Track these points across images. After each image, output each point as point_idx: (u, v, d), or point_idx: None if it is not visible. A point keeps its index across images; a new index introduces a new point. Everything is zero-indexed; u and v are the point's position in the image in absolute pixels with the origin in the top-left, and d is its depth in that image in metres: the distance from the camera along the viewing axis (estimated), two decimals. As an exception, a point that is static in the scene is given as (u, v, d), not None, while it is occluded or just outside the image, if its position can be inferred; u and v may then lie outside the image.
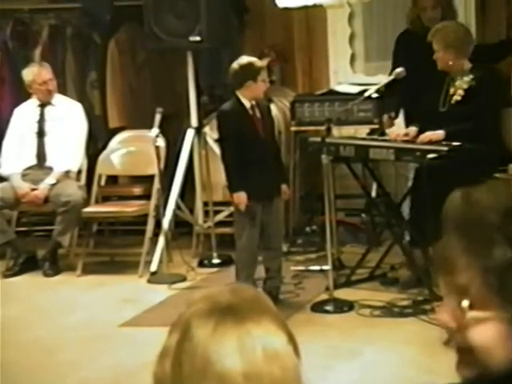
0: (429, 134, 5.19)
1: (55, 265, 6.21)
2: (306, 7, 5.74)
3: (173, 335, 1.18)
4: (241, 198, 5.05)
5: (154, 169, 6.05)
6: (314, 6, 5.66)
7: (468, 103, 5.17)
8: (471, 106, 5.14)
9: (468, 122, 5.09)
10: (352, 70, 6.89)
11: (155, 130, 5.83)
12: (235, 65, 5.09)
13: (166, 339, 1.19)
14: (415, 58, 5.49)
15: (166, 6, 6.08)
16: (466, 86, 5.21)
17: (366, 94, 5.49)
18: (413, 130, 5.37)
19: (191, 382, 1.14)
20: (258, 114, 5.15)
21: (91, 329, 5.06)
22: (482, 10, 6.34)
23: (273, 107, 6.30)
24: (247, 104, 5.11)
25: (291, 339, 1.19)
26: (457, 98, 5.23)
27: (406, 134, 5.33)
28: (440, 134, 5.14)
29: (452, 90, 5.27)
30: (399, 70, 5.49)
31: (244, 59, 5.12)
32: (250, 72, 5.04)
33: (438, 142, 5.11)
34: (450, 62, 5.23)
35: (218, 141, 5.39)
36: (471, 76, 5.22)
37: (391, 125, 5.89)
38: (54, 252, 6.23)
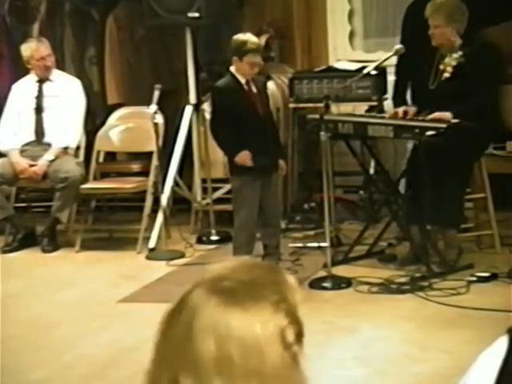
0: (438, 114, 5.12)
1: (54, 241, 6.22)
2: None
3: (173, 304, 1.20)
4: (243, 157, 5.03)
5: (152, 145, 6.04)
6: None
7: (457, 80, 5.16)
8: (462, 83, 5.12)
9: (459, 98, 5.07)
10: (351, 47, 6.87)
11: (153, 107, 5.82)
12: (234, 40, 5.09)
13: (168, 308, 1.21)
14: (419, 31, 5.42)
15: (164, -19, 6.05)
16: (454, 63, 5.20)
17: (365, 71, 5.48)
18: (412, 108, 5.36)
19: (172, 353, 1.15)
20: (254, 89, 5.14)
21: (89, 305, 5.07)
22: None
23: (271, 84, 6.29)
24: (242, 80, 5.11)
25: (293, 323, 1.18)
26: (446, 75, 5.22)
27: (405, 112, 5.32)
28: (448, 114, 5.09)
29: (442, 67, 5.26)
30: (398, 46, 5.47)
31: (242, 36, 5.11)
32: (237, 50, 5.03)
33: (438, 120, 5.09)
34: (452, 38, 5.21)
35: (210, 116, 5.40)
36: (460, 53, 5.20)
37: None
38: (53, 228, 6.24)
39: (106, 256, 6.01)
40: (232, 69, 5.11)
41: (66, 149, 6.28)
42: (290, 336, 1.16)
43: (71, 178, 6.06)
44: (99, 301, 5.13)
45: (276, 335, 1.15)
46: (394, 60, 5.66)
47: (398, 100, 5.72)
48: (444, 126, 4.98)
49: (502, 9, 5.89)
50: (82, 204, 6.33)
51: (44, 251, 6.16)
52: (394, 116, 5.38)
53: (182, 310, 1.18)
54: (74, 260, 6.00)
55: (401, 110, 5.37)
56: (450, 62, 5.22)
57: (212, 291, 1.17)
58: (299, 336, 1.18)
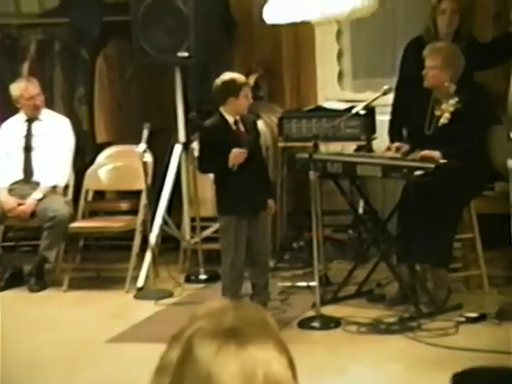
0: (427, 152, 5.15)
1: (41, 280, 6.18)
2: (294, 24, 5.76)
3: (173, 351, 1.16)
4: (236, 153, 5.01)
5: (141, 184, 6.04)
6: (302, 22, 5.68)
7: (455, 126, 5.20)
8: (459, 128, 5.16)
9: (459, 143, 5.10)
10: (340, 87, 6.91)
11: (143, 145, 5.83)
12: (218, 81, 5.12)
13: (165, 354, 1.17)
14: (414, 73, 5.46)
15: (154, 21, 6.09)
16: (452, 109, 5.24)
17: (354, 111, 5.51)
18: (405, 146, 5.38)
19: None
20: (242, 128, 5.17)
21: (77, 345, 5.03)
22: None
23: (260, 123, 6.30)
24: (230, 119, 5.13)
25: (291, 364, 1.18)
26: (444, 121, 5.26)
27: (398, 148, 5.34)
28: (437, 153, 5.12)
29: (438, 113, 5.30)
30: (386, 87, 5.52)
31: (226, 75, 5.15)
32: (231, 88, 5.06)
33: (427, 160, 5.11)
34: (446, 83, 5.26)
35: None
36: (457, 99, 5.25)
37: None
38: (40, 267, 6.21)
39: (93, 295, 5.98)
40: (222, 109, 5.13)
41: (54, 187, 6.27)
42: (294, 374, 1.17)
43: (59, 217, 6.04)
44: (87, 340, 5.10)
45: (287, 371, 1.15)
46: (384, 100, 5.70)
47: (395, 135, 5.74)
48: (432, 166, 5.01)
49: (490, 55, 5.96)
50: (70, 243, 6.30)
51: (31, 290, 6.12)
52: (387, 151, 5.40)
53: (189, 366, 1.13)
54: (62, 299, 5.95)
55: (394, 145, 5.39)
56: (448, 108, 5.25)
57: (215, 335, 1.15)
58: (295, 376, 1.18)
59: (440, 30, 5.81)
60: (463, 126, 5.15)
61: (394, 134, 5.78)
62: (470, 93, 5.27)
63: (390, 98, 5.85)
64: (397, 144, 5.40)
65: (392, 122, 5.90)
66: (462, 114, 5.20)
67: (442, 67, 5.23)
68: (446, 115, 5.25)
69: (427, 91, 5.33)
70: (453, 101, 5.25)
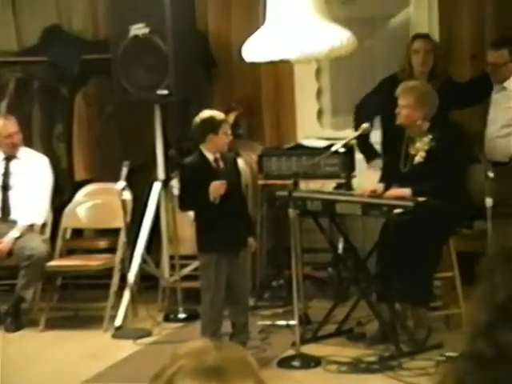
0: (396, 191, 5.22)
1: (17, 320, 6.11)
2: (273, 62, 5.78)
3: None
4: (217, 185, 5.00)
5: (119, 222, 6.01)
6: (282, 61, 5.70)
7: (430, 164, 5.22)
8: (434, 167, 5.19)
9: (434, 180, 5.13)
10: (319, 125, 6.93)
11: (122, 183, 5.80)
12: (197, 119, 5.13)
13: None
14: (392, 107, 5.52)
15: (134, 59, 6.10)
16: (426, 148, 5.27)
17: (333, 149, 5.53)
18: (380, 186, 5.40)
19: None
20: (222, 166, 5.16)
21: (54, 385, 4.97)
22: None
23: (240, 161, 6.30)
24: (210, 157, 5.13)
25: None
26: (419, 159, 5.28)
27: (374, 191, 5.36)
28: (407, 191, 5.16)
29: (413, 151, 5.32)
30: (365, 125, 5.55)
31: (205, 113, 5.16)
32: (211, 125, 5.07)
33: (403, 198, 5.14)
34: (419, 122, 5.28)
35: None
36: (430, 136, 5.28)
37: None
38: (17, 307, 6.14)
39: (71, 335, 5.91)
40: (202, 146, 5.12)
41: (32, 226, 6.23)
42: None
43: (36, 256, 5.99)
44: (64, 381, 5.04)
45: None
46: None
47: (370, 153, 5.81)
48: (411, 204, 5.01)
49: (467, 95, 6.03)
50: (47, 282, 6.24)
51: (7, 330, 6.05)
52: (362, 194, 5.41)
53: None
54: (39, 339, 5.88)
55: (368, 188, 5.40)
56: (422, 146, 5.28)
57: (197, 374, 1.13)
58: None
59: (415, 69, 5.89)
60: (438, 165, 5.18)
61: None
62: (444, 131, 5.31)
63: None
64: (371, 187, 5.41)
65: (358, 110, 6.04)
66: (437, 153, 5.22)
67: (415, 106, 5.26)
68: (422, 154, 5.27)
69: (400, 130, 5.36)
70: (426, 139, 5.28)
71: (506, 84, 5.87)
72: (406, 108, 5.28)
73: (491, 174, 5.15)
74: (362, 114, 6.12)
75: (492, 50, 5.92)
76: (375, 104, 6.05)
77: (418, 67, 5.87)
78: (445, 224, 5.28)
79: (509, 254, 1.25)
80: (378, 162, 5.68)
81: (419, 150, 5.29)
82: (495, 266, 1.23)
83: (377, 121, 6.08)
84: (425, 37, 6.05)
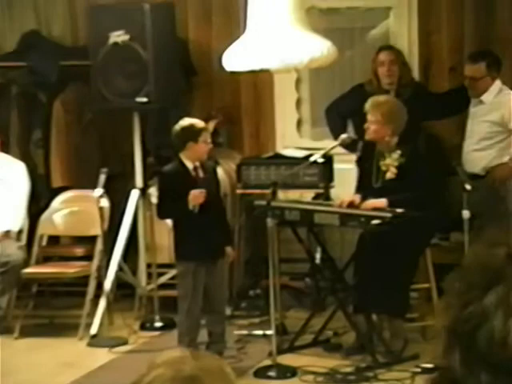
0: (372, 202, 5.24)
1: (-8, 327, 6.06)
2: (253, 71, 5.78)
3: None
4: (196, 194, 4.98)
5: (96, 229, 5.98)
6: (262, 70, 5.71)
7: (401, 180, 5.26)
8: (406, 183, 5.22)
9: (408, 192, 5.16)
10: (299, 135, 6.94)
11: (99, 190, 5.78)
12: (177, 127, 5.14)
13: None
14: (364, 118, 5.56)
15: (113, 66, 6.08)
16: (396, 164, 5.30)
17: (312, 159, 5.54)
18: (357, 197, 5.41)
19: None
20: (201, 175, 5.16)
21: (27, 394, 4.93)
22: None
23: (219, 170, 6.30)
24: (190, 165, 5.12)
25: None
26: (390, 175, 5.32)
27: (351, 202, 5.37)
28: (383, 201, 5.19)
29: (384, 167, 5.35)
30: (344, 136, 5.58)
31: (185, 121, 5.17)
32: (190, 133, 5.08)
33: (381, 209, 5.16)
34: (387, 138, 5.32)
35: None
36: (399, 152, 5.31)
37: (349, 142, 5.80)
38: (-8, 313, 6.09)
39: (46, 343, 5.87)
40: (181, 154, 5.12)
41: (7, 232, 6.18)
42: None
43: (12, 263, 5.94)
44: (38, 389, 4.99)
45: None
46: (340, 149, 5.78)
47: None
48: (389, 215, 5.03)
49: (443, 106, 6.08)
50: (22, 289, 6.20)
51: (-19, 337, 5.99)
52: (341, 204, 5.42)
53: None
54: (13, 347, 5.83)
55: (347, 199, 5.41)
56: (392, 162, 5.32)
57: (174, 383, 1.13)
58: None
59: (382, 81, 5.94)
60: (410, 181, 5.21)
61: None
62: (414, 145, 5.37)
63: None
64: (349, 198, 5.42)
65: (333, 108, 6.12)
66: (407, 168, 5.26)
67: (383, 122, 5.29)
68: (393, 170, 5.31)
69: (370, 143, 5.40)
70: (395, 155, 5.32)
71: (483, 97, 5.91)
72: (374, 124, 5.32)
73: (468, 187, 5.18)
74: (333, 116, 6.17)
75: (469, 63, 5.96)
76: (346, 108, 6.11)
77: (385, 79, 5.95)
78: (421, 235, 5.30)
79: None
80: (345, 136, 5.64)
81: (390, 165, 5.33)
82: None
83: (349, 122, 6.14)
84: (389, 48, 6.11)
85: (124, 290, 6.36)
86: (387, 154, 5.33)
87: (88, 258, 6.22)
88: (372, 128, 5.31)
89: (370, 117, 5.32)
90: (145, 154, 6.39)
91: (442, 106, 6.07)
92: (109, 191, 5.94)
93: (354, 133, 5.95)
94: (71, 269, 6.17)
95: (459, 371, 1.16)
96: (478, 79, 5.88)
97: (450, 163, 5.44)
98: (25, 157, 6.71)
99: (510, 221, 5.63)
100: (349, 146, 5.83)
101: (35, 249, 6.28)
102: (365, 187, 5.46)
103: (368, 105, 5.36)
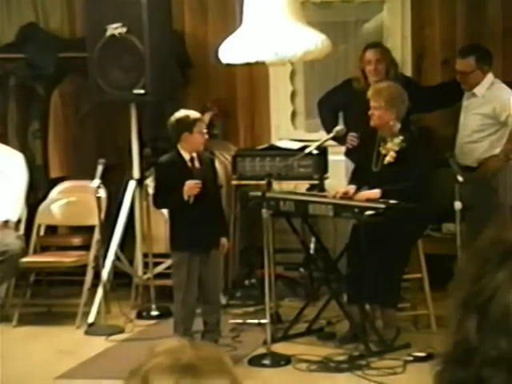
0: (366, 193, 5.31)
1: (-10, 315, 6.13)
2: (248, 64, 5.84)
3: None
4: (191, 185, 5.06)
5: (94, 219, 6.04)
6: (257, 63, 5.76)
7: (400, 164, 5.31)
8: (404, 166, 5.27)
9: (402, 181, 5.22)
10: (293, 127, 7.00)
11: (97, 181, 5.84)
12: (172, 118, 5.18)
13: None
14: (353, 113, 5.64)
15: (110, 58, 6.12)
16: (397, 148, 5.35)
17: (307, 151, 5.60)
18: (352, 187, 5.47)
19: None
20: (197, 165, 5.21)
21: (26, 381, 4.99)
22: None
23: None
24: (186, 156, 5.18)
25: None
26: (389, 159, 5.37)
27: (346, 193, 5.43)
28: (376, 192, 5.26)
29: (384, 151, 5.41)
30: (339, 127, 5.64)
31: (180, 112, 5.21)
32: (185, 124, 5.12)
33: (374, 200, 5.22)
34: (391, 122, 5.37)
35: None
36: (401, 137, 5.36)
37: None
38: (-10, 302, 6.15)
39: (43, 331, 5.93)
40: (178, 146, 5.17)
41: (6, 222, 6.23)
42: None
43: (10, 252, 6.00)
44: (36, 377, 5.06)
45: None
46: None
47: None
48: (383, 206, 5.09)
49: (434, 99, 6.15)
50: (20, 278, 6.26)
51: (-20, 326, 6.05)
52: (335, 195, 5.48)
53: None
54: (11, 335, 5.89)
55: (341, 190, 5.48)
56: (393, 146, 5.36)
57: (172, 371, 1.17)
58: None
59: (369, 78, 5.99)
60: (408, 165, 5.26)
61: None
62: (414, 133, 5.42)
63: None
64: (343, 188, 5.49)
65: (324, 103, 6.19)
66: (406, 154, 5.31)
67: (386, 107, 5.34)
68: (392, 154, 5.36)
69: (372, 129, 5.45)
70: (397, 140, 5.37)
71: (475, 90, 5.97)
72: (377, 109, 5.36)
73: (460, 178, 5.25)
74: (324, 108, 6.24)
75: (459, 58, 6.02)
76: (337, 101, 6.18)
77: (372, 77, 5.99)
78: (414, 226, 5.36)
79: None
80: (339, 128, 5.73)
81: (390, 150, 5.38)
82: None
83: (340, 115, 6.21)
84: (375, 46, 6.13)
85: (121, 279, 6.42)
86: (389, 139, 5.38)
87: (85, 247, 6.27)
88: (376, 114, 5.36)
89: (372, 103, 5.37)
90: (141, 146, 6.44)
91: (431, 100, 6.14)
92: (106, 182, 5.99)
93: (344, 126, 6.01)
94: (69, 258, 6.22)
95: (475, 339, 1.20)
96: (468, 73, 5.93)
97: (442, 155, 5.51)
98: (23, 148, 6.76)
99: (501, 212, 5.71)
100: (340, 139, 5.91)
101: (33, 238, 6.34)
102: (363, 172, 5.50)
103: (370, 92, 5.42)
